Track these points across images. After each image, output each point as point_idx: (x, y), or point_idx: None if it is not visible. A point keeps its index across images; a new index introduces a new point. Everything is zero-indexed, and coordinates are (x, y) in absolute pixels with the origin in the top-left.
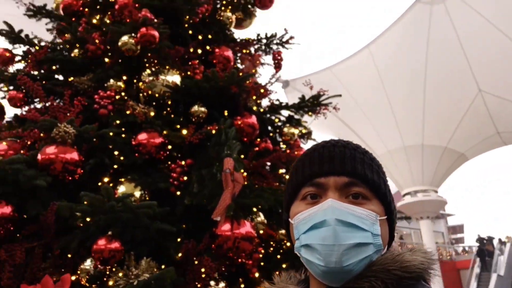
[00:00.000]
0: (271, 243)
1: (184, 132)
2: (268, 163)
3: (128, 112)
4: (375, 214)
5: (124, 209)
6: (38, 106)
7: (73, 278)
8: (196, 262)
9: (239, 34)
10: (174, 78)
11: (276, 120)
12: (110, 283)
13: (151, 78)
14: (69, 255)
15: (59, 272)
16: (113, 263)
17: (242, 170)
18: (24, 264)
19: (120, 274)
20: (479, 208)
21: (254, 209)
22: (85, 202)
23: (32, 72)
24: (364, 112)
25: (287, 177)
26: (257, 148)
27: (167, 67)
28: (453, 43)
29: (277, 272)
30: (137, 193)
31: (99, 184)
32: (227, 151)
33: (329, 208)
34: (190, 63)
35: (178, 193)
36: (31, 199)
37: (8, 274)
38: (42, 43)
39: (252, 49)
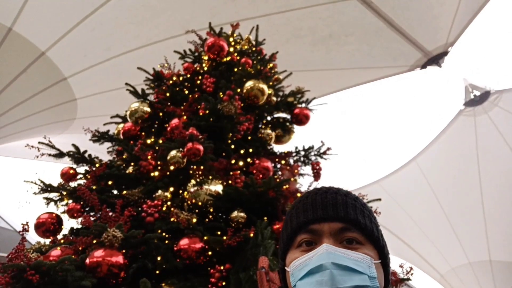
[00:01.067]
0: None
1: (224, 238)
2: None
3: (172, 219)
4: (370, 258)
5: None
6: (92, 218)
7: None
8: None
9: (279, 148)
10: (217, 187)
11: None
12: None
13: (195, 188)
14: None
15: None
16: None
17: None
18: None
19: None
20: None
21: None
22: None
23: (91, 186)
24: (420, 226)
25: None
26: None
27: (210, 177)
28: (504, 151)
29: None
30: None
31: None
32: (263, 251)
33: (325, 253)
34: (232, 173)
35: None
36: None
37: None
38: (102, 162)
39: (291, 160)
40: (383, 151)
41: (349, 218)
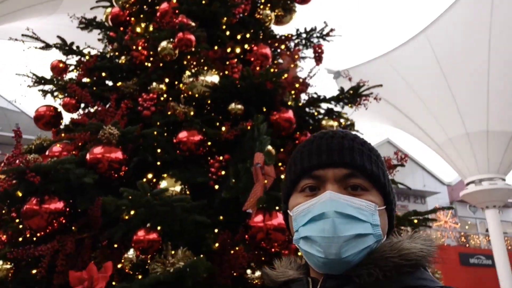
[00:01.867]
0: None
1: (223, 129)
2: None
3: (169, 112)
4: (374, 205)
5: (161, 202)
6: (90, 111)
7: (119, 266)
8: (232, 252)
9: (279, 30)
10: (213, 78)
11: (316, 113)
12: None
13: (191, 79)
14: (115, 246)
15: (106, 261)
16: (152, 253)
17: (280, 164)
18: (76, 253)
19: (158, 263)
20: None
21: None
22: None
23: (83, 80)
24: (422, 99)
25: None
26: (297, 142)
27: (205, 68)
28: None
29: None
30: (178, 188)
31: (144, 180)
32: (259, 146)
33: (327, 201)
34: (228, 62)
35: (216, 186)
36: (80, 195)
37: (61, 262)
38: (93, 53)
39: (292, 44)
40: (391, 24)
41: (355, 164)
